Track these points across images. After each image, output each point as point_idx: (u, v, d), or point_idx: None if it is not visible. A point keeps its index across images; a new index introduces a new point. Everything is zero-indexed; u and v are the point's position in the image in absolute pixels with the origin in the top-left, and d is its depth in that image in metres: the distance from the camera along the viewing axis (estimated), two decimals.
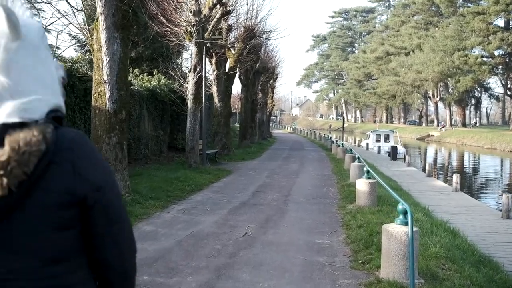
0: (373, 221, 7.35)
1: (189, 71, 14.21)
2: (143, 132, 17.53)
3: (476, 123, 77.44)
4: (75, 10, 9.37)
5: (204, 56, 15.48)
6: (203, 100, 15.75)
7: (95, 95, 8.53)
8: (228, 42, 19.10)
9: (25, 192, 1.03)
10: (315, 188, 11.84)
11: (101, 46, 8.28)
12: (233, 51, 20.95)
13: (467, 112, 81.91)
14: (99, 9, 8.05)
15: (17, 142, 1.00)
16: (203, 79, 15.47)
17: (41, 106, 1.08)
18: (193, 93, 14.19)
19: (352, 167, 12.66)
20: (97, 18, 8.33)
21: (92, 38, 8.48)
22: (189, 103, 14.28)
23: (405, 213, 4.99)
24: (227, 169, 15.41)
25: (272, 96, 47.90)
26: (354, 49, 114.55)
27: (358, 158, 12.86)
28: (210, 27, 14.65)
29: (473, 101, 77.16)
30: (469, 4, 60.35)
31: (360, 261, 5.55)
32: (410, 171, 23.26)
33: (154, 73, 19.53)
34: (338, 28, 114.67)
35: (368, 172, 9.07)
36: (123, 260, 1.23)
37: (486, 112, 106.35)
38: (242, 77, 25.93)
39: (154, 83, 18.69)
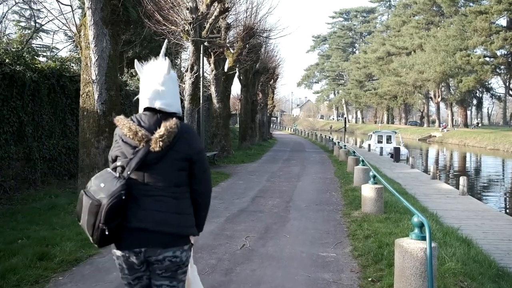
0: (381, 231, 6.81)
1: (186, 71, 13.66)
2: None
3: (478, 123, 76.82)
4: (62, 6, 8.80)
5: (201, 55, 14.94)
6: (201, 101, 15.22)
7: (83, 95, 8.00)
8: (227, 41, 18.56)
9: (167, 150, 2.37)
10: (318, 193, 11.29)
11: (89, 43, 7.75)
12: (232, 51, 20.42)
13: (468, 112, 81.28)
14: (87, 3, 7.53)
15: (167, 126, 2.37)
16: (201, 78, 14.95)
17: (174, 107, 2.52)
18: (190, 93, 13.65)
19: (356, 171, 12.12)
20: (85, 14, 7.79)
21: (80, 35, 7.94)
22: (186, 104, 13.73)
23: (421, 226, 4.45)
24: (225, 173, 14.86)
25: (273, 97, 47.37)
26: (354, 49, 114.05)
27: (363, 161, 12.32)
28: (207, 25, 14.11)
29: (474, 102, 76.57)
30: (471, 4, 59.76)
31: (369, 279, 5.01)
32: (414, 173, 22.70)
33: None
34: (338, 29, 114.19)
35: (374, 177, 8.52)
36: (206, 190, 2.64)
37: (487, 112, 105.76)
38: (241, 78, 25.40)
39: None
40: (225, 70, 19.70)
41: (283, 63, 67.37)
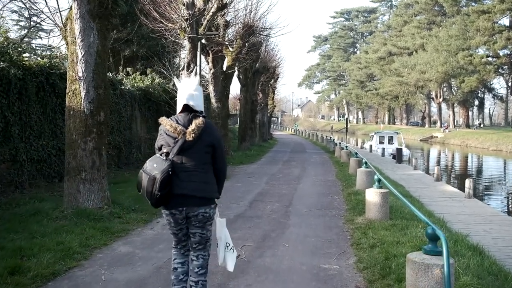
0: (388, 240, 6.31)
1: (182, 69, 13.17)
2: (135, 134, 16.51)
3: (480, 124, 76.29)
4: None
5: (199, 53, 14.45)
6: None
7: (69, 93, 7.50)
8: (226, 39, 18.08)
9: (197, 140, 3.56)
10: (319, 196, 10.79)
11: (75, 38, 7.25)
12: (231, 49, 19.92)
13: (470, 113, 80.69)
14: None
15: (196, 122, 3.57)
16: (198, 77, 14.48)
17: (200, 108, 3.74)
18: None
19: (359, 173, 11.61)
20: (71, 6, 7.29)
21: (66, 29, 7.44)
22: None
23: (435, 238, 3.95)
24: None
25: (273, 97, 46.86)
26: (356, 49, 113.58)
27: (366, 163, 11.82)
28: (205, 22, 13.62)
29: (476, 102, 75.99)
30: (473, 3, 59.22)
31: None
32: (417, 174, 22.19)
33: (147, 72, 18.51)
34: (339, 29, 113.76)
35: (379, 180, 8.02)
36: (223, 167, 3.83)
37: (489, 113, 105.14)
38: (241, 77, 24.90)
39: (147, 83, 17.67)
40: (224, 69, 19.20)
41: (283, 62, 66.81)
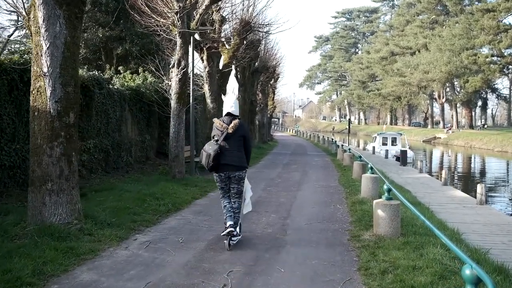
0: (402, 264, 5.33)
1: (172, 66, 12.19)
2: (125, 137, 15.55)
3: (484, 125, 75.20)
4: None
5: (192, 49, 13.49)
6: (191, 100, 13.75)
7: (33, 92, 6.52)
8: (222, 36, 17.10)
9: (234, 132, 6.22)
10: (320, 205, 9.79)
11: (39, 28, 6.28)
12: (228, 47, 18.93)
13: (472, 113, 79.49)
14: None
15: (234, 122, 6.26)
16: (191, 75, 13.49)
17: (236, 112, 6.47)
18: (177, 92, 12.18)
19: (364, 180, 10.61)
20: None
21: (29, 18, 6.46)
22: (173, 103, 12.28)
23: (476, 282, 2.97)
24: None
25: (273, 97, 45.86)
26: (357, 50, 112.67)
27: (371, 168, 10.82)
28: (197, 16, 12.63)
29: (479, 103, 74.86)
30: (477, 2, 58.15)
31: None
32: (423, 178, 21.19)
33: (139, 71, 17.56)
34: (341, 29, 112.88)
35: (389, 190, 7.02)
36: (250, 148, 6.56)
37: (492, 113, 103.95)
38: (239, 76, 23.89)
39: (139, 82, 16.72)
40: (220, 67, 18.21)
41: (284, 61, 65.87)
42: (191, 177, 12.98)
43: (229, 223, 6.23)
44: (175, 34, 12.12)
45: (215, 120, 6.46)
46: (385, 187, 7.09)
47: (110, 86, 14.54)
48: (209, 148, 6.20)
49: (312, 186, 12.83)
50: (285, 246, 6.42)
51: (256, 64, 26.98)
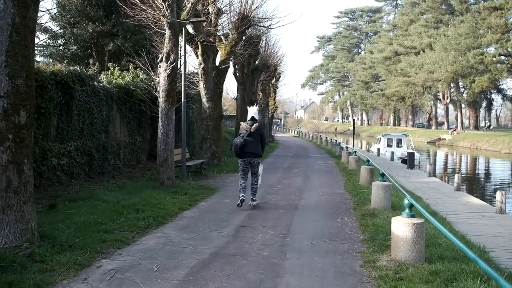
0: None
1: (160, 61, 10.97)
2: (112, 138, 14.34)
3: (490, 125, 73.86)
4: None
5: (184, 41, 12.27)
6: (183, 98, 12.52)
7: None
8: (221, 32, 15.90)
9: (254, 131, 9.35)
10: (326, 218, 8.54)
11: None
12: (225, 42, 17.71)
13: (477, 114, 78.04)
14: None
15: (255, 125, 9.45)
16: (183, 69, 12.25)
17: (257, 118, 9.71)
18: (166, 89, 10.95)
19: (375, 188, 9.36)
20: None
21: None
22: (161, 101, 11.05)
23: None
24: (211, 187, 12.12)
25: (275, 97, 44.58)
26: (360, 50, 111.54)
27: (383, 175, 9.58)
28: (189, 5, 11.41)
29: (484, 103, 73.44)
30: (483, 1, 56.79)
31: None
32: (433, 182, 19.93)
33: (130, 68, 16.34)
34: (343, 29, 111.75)
35: (411, 206, 5.77)
36: (264, 142, 9.71)
37: (496, 114, 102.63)
38: (237, 74, 22.68)
39: (129, 79, 15.51)
40: (217, 64, 16.98)
41: (285, 59, 64.35)
42: (182, 184, 11.74)
43: (241, 195, 9.40)
44: (164, 25, 10.90)
45: (242, 123, 9.75)
46: (405, 201, 5.82)
47: (96, 83, 13.33)
48: (237, 140, 9.32)
49: (315, 194, 11.57)
50: (284, 275, 5.18)
51: (257, 62, 25.75)
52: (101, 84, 13.74)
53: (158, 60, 10.99)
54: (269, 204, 9.97)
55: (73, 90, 11.51)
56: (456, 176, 17.70)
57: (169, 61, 10.75)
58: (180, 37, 12.19)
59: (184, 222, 7.88)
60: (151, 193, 9.78)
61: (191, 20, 11.52)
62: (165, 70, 10.81)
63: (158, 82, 11.06)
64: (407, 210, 5.73)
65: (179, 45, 11.66)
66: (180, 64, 12.19)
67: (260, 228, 7.49)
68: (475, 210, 13.55)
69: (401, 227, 5.62)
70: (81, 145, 12.24)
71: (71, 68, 11.85)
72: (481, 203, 15.36)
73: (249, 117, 9.65)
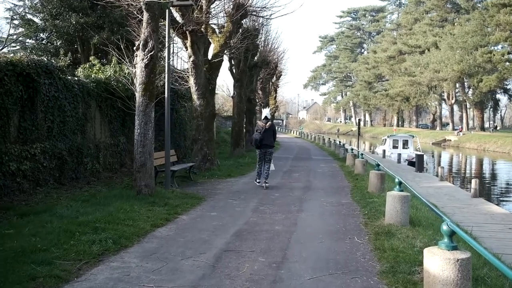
0: None
1: (137, 49, 9.37)
2: (90, 139, 12.77)
3: (496, 126, 72.11)
4: None
5: (167, 26, 10.69)
6: (166, 93, 10.93)
7: None
8: (211, 18, 14.31)
9: (268, 128, 12.21)
10: (331, 238, 6.92)
11: None
12: (219, 35, 16.12)
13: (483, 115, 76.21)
14: None
15: (269, 123, 12.31)
16: (167, 58, 10.69)
17: (269, 117, 13.31)
18: (143, 81, 9.35)
19: (390, 200, 7.73)
20: None
21: None
22: (137, 96, 9.45)
23: None
24: (197, 195, 10.49)
25: (275, 96, 42.96)
26: (363, 50, 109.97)
27: (400, 183, 7.96)
28: None
29: (490, 104, 71.65)
30: None
31: None
32: (446, 188, 18.29)
33: (113, 61, 14.75)
34: (346, 28, 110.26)
35: (451, 235, 4.16)
36: (275, 136, 12.79)
37: (500, 115, 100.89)
38: (234, 70, 21.09)
39: (110, 73, 13.93)
40: (209, 57, 15.38)
41: (287, 56, 62.63)
42: (164, 192, 10.13)
43: (258, 180, 12.50)
44: (141, 7, 9.32)
45: (258, 121, 12.60)
46: (444, 227, 4.19)
47: (69, 77, 11.76)
48: (255, 135, 12.09)
49: (318, 204, 9.95)
50: None
51: (256, 58, 24.16)
52: (76, 78, 12.17)
53: (135, 48, 9.38)
54: (263, 217, 8.34)
55: (37, 83, 9.94)
56: (473, 181, 16.08)
57: (146, 49, 9.16)
58: (163, 22, 10.62)
59: (153, 245, 6.27)
60: (122, 204, 8.19)
61: (174, 3, 9.94)
62: (142, 59, 9.22)
63: (135, 74, 9.47)
64: (446, 240, 4.12)
65: (161, 32, 10.07)
66: (163, 54, 10.60)
67: (248, 254, 5.88)
68: (499, 221, 11.95)
69: (439, 263, 4.00)
70: (50, 147, 10.65)
71: (36, 58, 10.25)
72: (504, 211, 13.75)
73: (262, 117, 12.53)
